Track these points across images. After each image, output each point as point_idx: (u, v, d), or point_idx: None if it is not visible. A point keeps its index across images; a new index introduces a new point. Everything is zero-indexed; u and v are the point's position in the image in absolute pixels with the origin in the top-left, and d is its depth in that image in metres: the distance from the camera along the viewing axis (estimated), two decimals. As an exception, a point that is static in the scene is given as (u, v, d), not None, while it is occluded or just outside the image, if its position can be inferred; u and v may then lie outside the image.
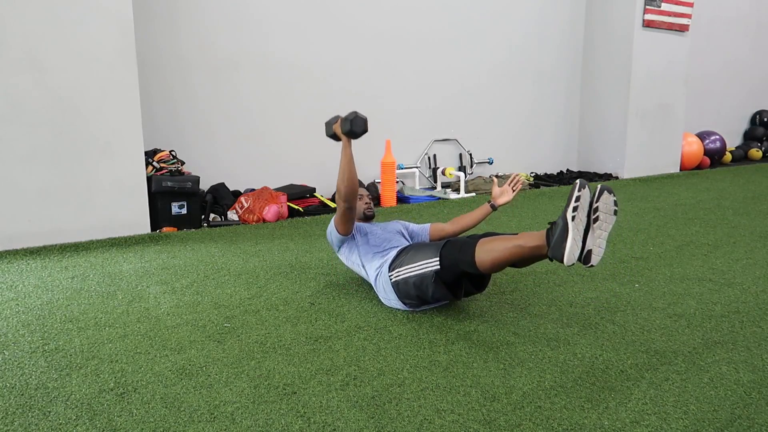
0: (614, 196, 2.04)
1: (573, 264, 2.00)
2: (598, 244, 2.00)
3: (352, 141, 2.56)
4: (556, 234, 2.01)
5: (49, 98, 3.58)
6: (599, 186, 2.05)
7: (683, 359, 2.06)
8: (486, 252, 2.19)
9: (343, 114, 2.63)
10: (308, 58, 5.15)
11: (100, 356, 2.11)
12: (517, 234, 2.40)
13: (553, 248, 2.02)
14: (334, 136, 2.63)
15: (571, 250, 1.96)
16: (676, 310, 2.55)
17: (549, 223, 2.11)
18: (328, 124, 2.65)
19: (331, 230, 2.73)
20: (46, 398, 1.82)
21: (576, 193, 2.00)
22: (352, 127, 2.50)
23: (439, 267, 2.31)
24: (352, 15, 5.34)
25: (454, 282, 2.36)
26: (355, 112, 2.55)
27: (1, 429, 1.66)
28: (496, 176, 6.20)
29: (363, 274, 2.70)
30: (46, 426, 1.67)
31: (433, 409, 1.74)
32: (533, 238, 2.12)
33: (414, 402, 1.78)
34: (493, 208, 2.80)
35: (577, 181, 2.04)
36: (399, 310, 2.52)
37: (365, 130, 2.55)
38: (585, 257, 2.00)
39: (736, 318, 2.45)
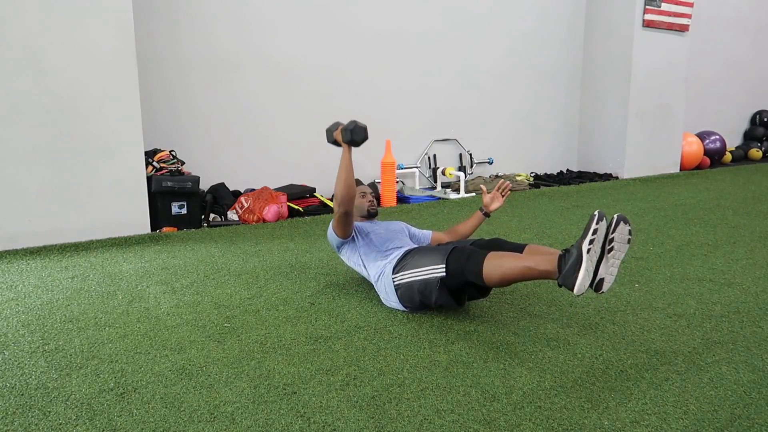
0: (629, 225, 2.03)
1: (583, 293, 2.00)
2: (610, 272, 2.03)
3: (353, 148, 2.59)
4: (569, 263, 2.01)
5: (49, 98, 3.58)
6: (615, 216, 2.03)
7: (683, 359, 2.07)
8: (494, 267, 2.20)
9: (342, 119, 2.63)
10: (308, 58, 5.15)
11: (100, 356, 2.11)
12: (526, 245, 2.44)
13: (564, 276, 2.02)
14: (336, 143, 2.65)
15: (582, 281, 1.98)
16: (676, 310, 2.55)
17: (563, 250, 2.09)
18: (329, 131, 2.66)
19: (331, 233, 2.73)
20: (46, 398, 1.82)
21: (594, 226, 1.99)
22: (353, 137, 2.53)
23: (444, 274, 2.31)
24: (353, 15, 5.34)
25: (459, 289, 2.36)
26: (355, 122, 2.56)
27: (1, 429, 1.66)
28: (497, 176, 6.20)
29: (365, 274, 2.69)
30: (46, 426, 1.67)
31: (433, 409, 1.74)
32: (544, 262, 2.12)
33: (414, 402, 1.78)
34: (486, 215, 2.88)
35: (596, 212, 2.02)
36: (399, 310, 2.52)
37: (365, 138, 2.56)
38: (597, 285, 2.02)
39: (736, 318, 2.46)
